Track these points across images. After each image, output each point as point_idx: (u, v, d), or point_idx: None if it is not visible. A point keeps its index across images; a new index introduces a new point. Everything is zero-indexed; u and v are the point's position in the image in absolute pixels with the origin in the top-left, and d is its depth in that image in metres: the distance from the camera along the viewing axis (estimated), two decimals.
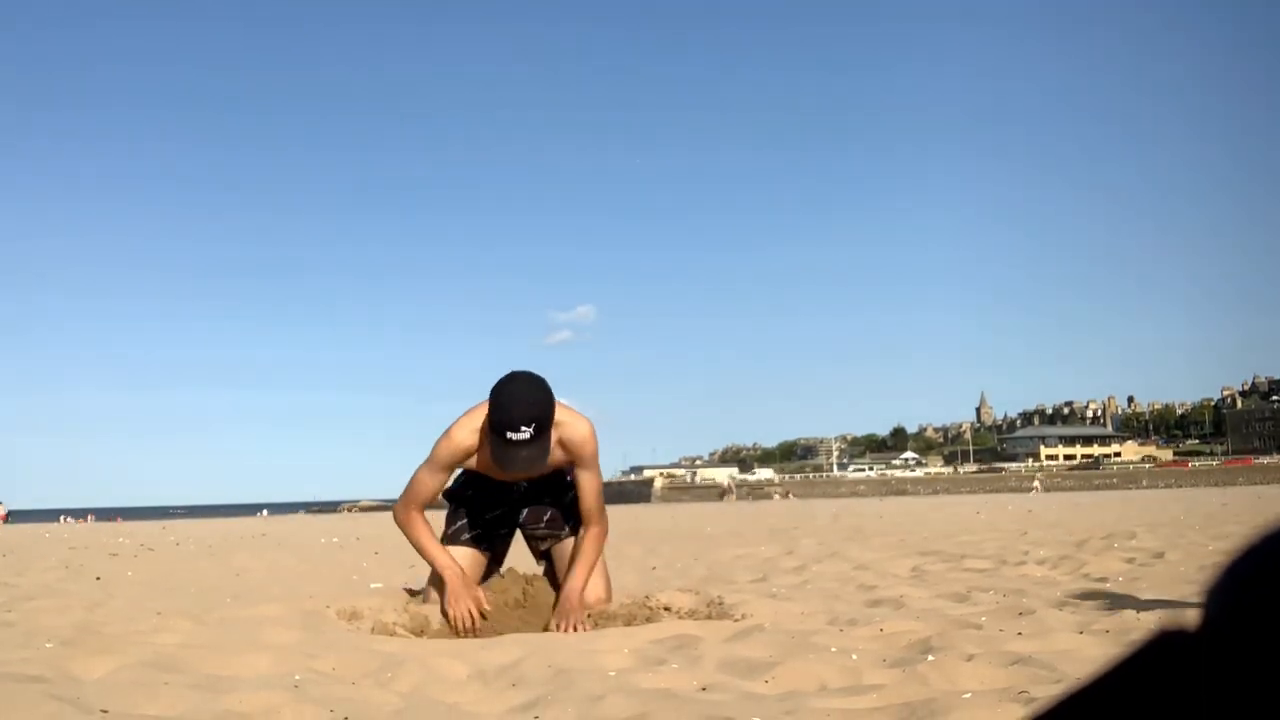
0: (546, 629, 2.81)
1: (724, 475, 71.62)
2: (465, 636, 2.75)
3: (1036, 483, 47.89)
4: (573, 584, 2.92)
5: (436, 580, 3.03)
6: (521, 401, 2.72)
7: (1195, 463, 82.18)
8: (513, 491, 3.20)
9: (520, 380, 2.80)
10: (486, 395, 2.92)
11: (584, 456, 2.96)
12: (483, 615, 2.86)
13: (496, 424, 2.71)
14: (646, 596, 3.23)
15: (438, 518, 3.35)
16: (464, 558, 3.13)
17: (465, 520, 3.19)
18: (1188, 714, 0.30)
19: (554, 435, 2.86)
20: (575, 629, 2.75)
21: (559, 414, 2.88)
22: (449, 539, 3.17)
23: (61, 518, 38.19)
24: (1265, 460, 73.05)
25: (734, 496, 53.39)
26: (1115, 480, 62.14)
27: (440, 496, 3.31)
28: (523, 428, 2.68)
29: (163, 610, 3.09)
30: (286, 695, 1.80)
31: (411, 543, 3.05)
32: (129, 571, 5.37)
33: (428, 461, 2.99)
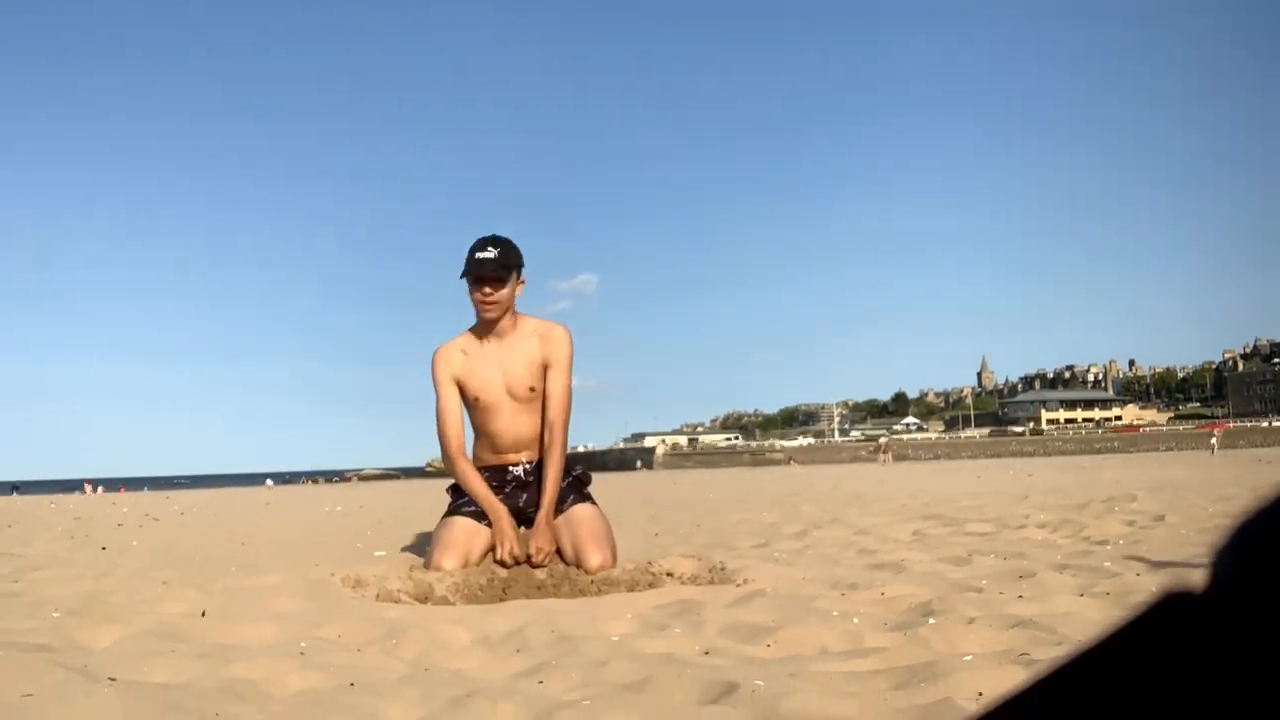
0: (529, 561, 3.07)
1: (882, 434, 60.72)
2: (510, 567, 3.05)
3: (1215, 440, 39.69)
4: (543, 510, 3.15)
5: (445, 535, 3.20)
6: (489, 236, 3.24)
7: (1183, 427, 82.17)
8: (511, 477, 3.27)
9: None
10: None
11: (559, 355, 3.25)
12: (526, 560, 3.08)
13: (469, 251, 3.19)
14: (649, 562, 3.25)
15: (443, 502, 3.41)
16: (464, 527, 3.17)
17: (467, 498, 3.25)
18: (1195, 675, 0.30)
19: (533, 326, 3.27)
20: (540, 558, 3.05)
21: (539, 321, 3.29)
22: (451, 511, 3.25)
23: (84, 487, 38.17)
24: (1234, 424, 73.25)
25: (891, 457, 45.20)
26: (1117, 443, 62.17)
27: (445, 491, 3.41)
28: (489, 247, 3.17)
29: (168, 579, 3.11)
30: (292, 662, 1.81)
31: (458, 481, 3.28)
32: (134, 541, 5.39)
33: (435, 391, 3.28)
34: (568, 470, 3.31)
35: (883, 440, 58.99)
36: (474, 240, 3.23)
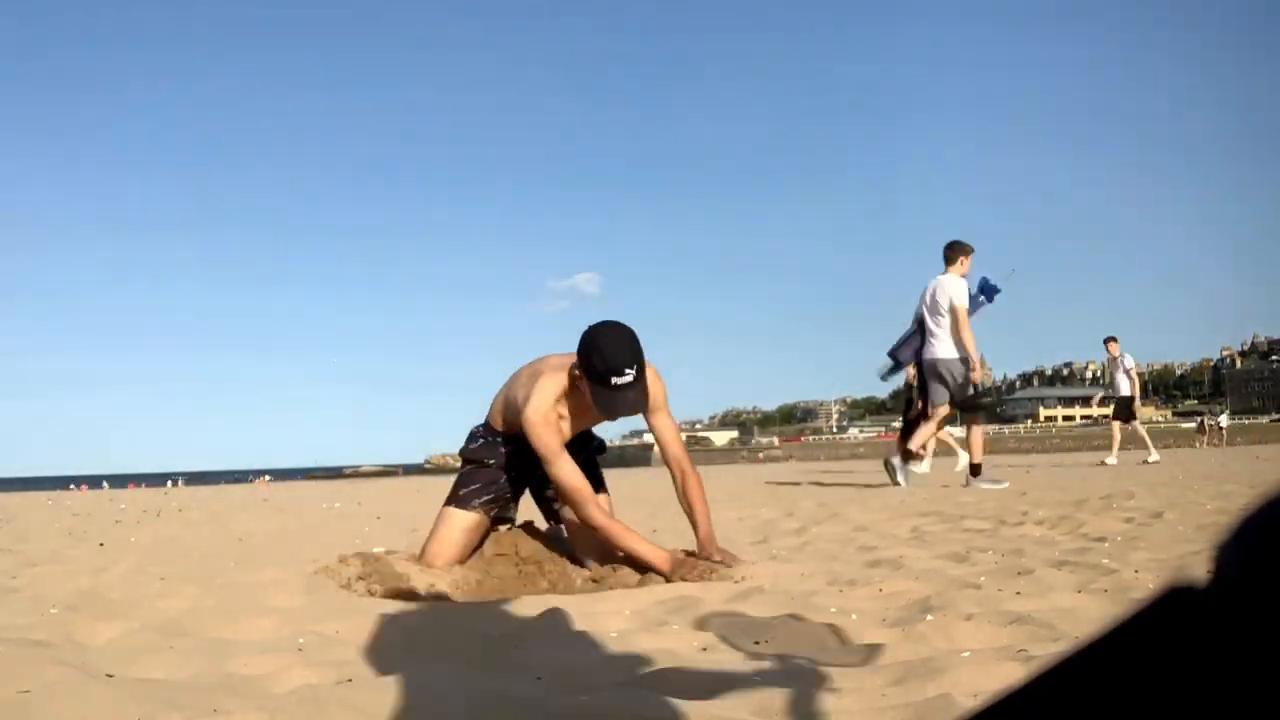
0: (670, 579, 2.79)
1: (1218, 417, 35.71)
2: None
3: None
4: (704, 533, 3.07)
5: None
6: (620, 346, 2.79)
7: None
8: (527, 452, 3.20)
9: (611, 327, 2.86)
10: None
11: (657, 396, 3.00)
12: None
13: (600, 373, 2.77)
14: None
15: (448, 480, 3.34)
16: (465, 521, 3.14)
17: (478, 485, 3.19)
18: (1197, 671, 0.30)
19: None
20: (705, 575, 2.81)
21: None
22: (459, 501, 3.17)
23: (105, 484, 37.76)
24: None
25: (1218, 439, 30.33)
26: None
27: (458, 455, 3.31)
28: (626, 371, 2.76)
29: (166, 575, 3.10)
30: (291, 658, 1.81)
31: (620, 541, 2.93)
32: (132, 537, 5.39)
33: (556, 454, 2.92)
34: (580, 448, 3.19)
35: (1206, 419, 36.54)
36: (602, 351, 2.76)
